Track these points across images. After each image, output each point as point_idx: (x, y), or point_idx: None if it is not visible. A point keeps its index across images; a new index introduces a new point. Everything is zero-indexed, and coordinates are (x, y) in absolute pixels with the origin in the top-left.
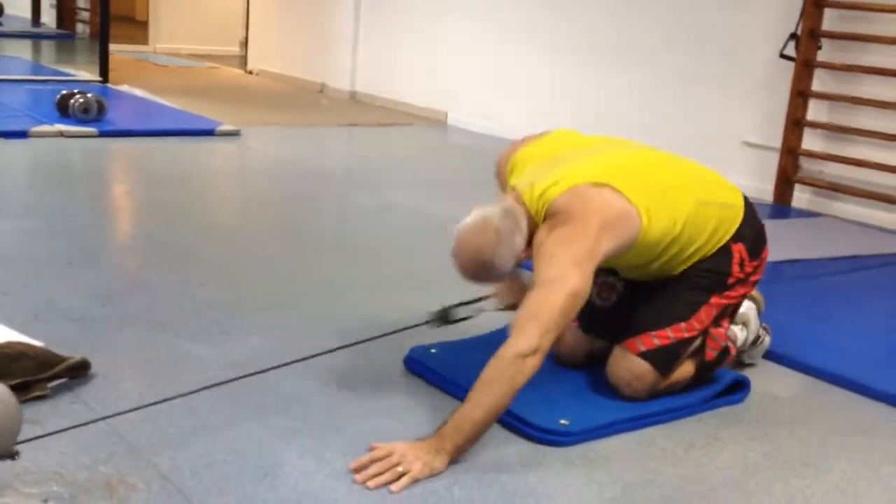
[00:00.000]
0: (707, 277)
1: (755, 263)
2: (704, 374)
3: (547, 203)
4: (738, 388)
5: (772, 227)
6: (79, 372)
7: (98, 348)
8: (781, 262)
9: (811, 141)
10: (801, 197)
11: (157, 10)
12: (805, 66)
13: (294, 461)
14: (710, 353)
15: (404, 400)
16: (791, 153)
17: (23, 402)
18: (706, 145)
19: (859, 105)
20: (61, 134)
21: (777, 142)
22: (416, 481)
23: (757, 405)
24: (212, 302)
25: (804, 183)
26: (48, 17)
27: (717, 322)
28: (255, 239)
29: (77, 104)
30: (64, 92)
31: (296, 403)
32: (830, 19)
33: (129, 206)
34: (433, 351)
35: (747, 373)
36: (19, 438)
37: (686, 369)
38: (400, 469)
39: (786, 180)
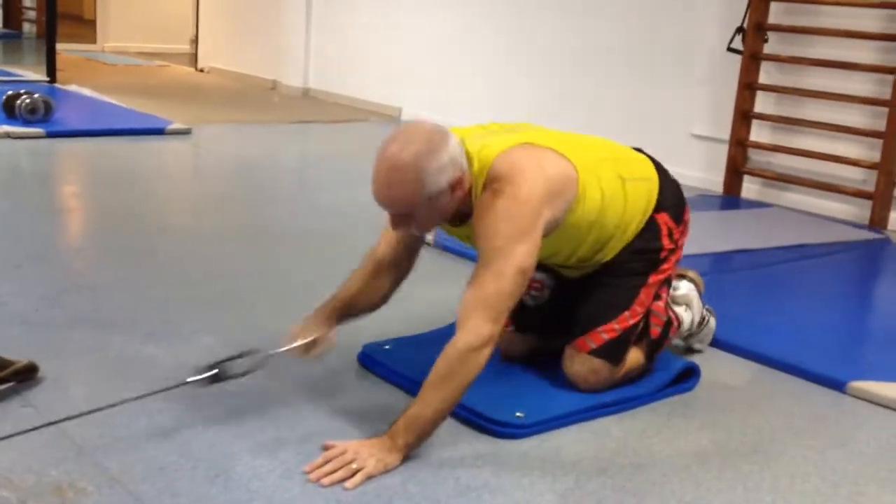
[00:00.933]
0: (640, 260)
1: (681, 228)
2: (654, 352)
3: (490, 158)
4: (689, 376)
5: (722, 218)
6: (27, 375)
7: (47, 351)
8: (731, 252)
9: (759, 133)
10: (750, 188)
11: (106, 8)
12: (752, 59)
13: (247, 461)
14: (655, 331)
15: (358, 397)
16: (740, 145)
17: None
18: (655, 138)
19: (806, 97)
20: (7, 135)
21: (726, 134)
22: (370, 478)
23: (707, 393)
24: (163, 302)
25: (753, 174)
26: None
27: (657, 296)
28: (207, 238)
29: (24, 105)
30: (10, 92)
31: (248, 403)
32: (776, 13)
33: (78, 207)
34: (387, 347)
35: (697, 360)
36: None
37: (636, 356)
38: (354, 466)
39: (735, 172)
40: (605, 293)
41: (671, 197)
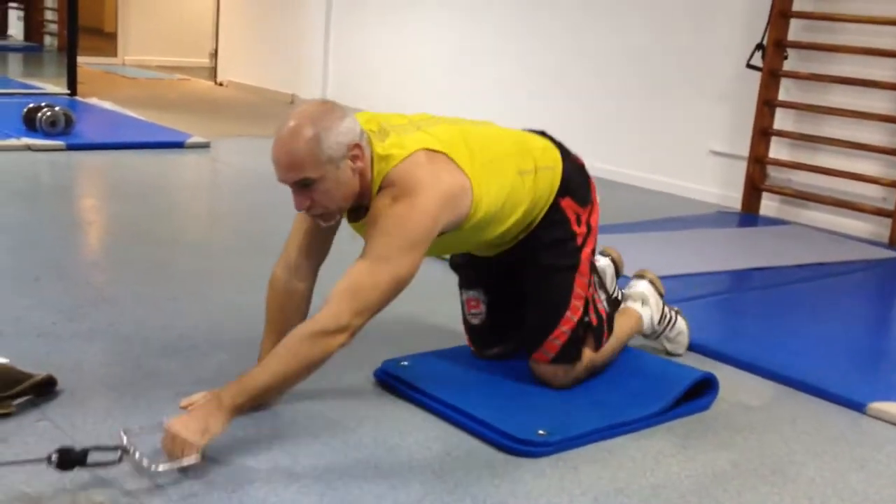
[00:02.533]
0: (559, 254)
1: (588, 208)
2: (600, 338)
3: (395, 157)
4: (706, 388)
5: (740, 235)
6: (45, 389)
7: (65, 364)
8: (749, 270)
9: (778, 150)
10: (769, 205)
11: (126, 21)
12: (771, 76)
13: (263, 477)
14: (593, 318)
15: (375, 413)
16: (758, 162)
17: None
18: (674, 154)
19: (825, 114)
20: (28, 148)
21: (744, 151)
22: (199, 449)
23: (725, 413)
24: (180, 316)
25: (772, 191)
26: (15, 30)
27: (589, 284)
28: (224, 252)
29: (44, 117)
30: (31, 105)
31: (265, 418)
32: (796, 30)
33: (97, 220)
34: (405, 364)
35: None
36: None
37: (587, 351)
38: (180, 448)
39: (753, 189)
40: (541, 299)
41: (574, 179)
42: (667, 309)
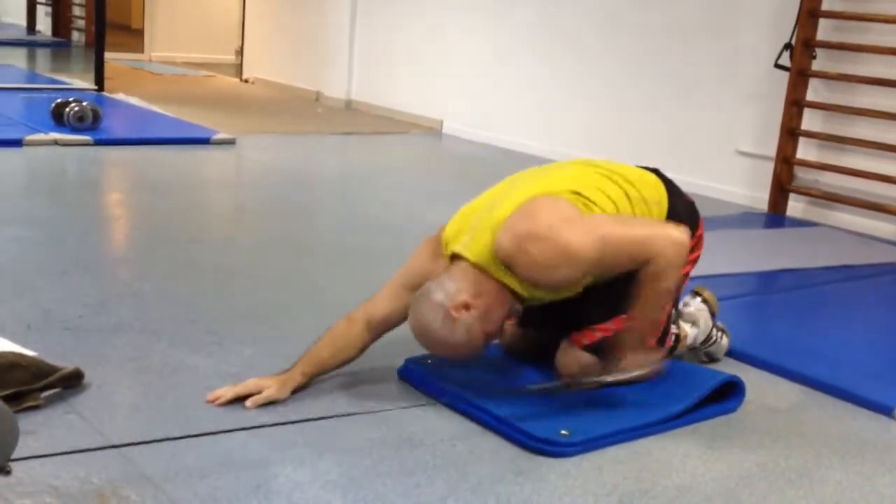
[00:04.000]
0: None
1: (692, 243)
2: None
3: (491, 245)
4: (733, 392)
5: (767, 237)
6: (72, 382)
7: (92, 358)
8: (776, 272)
9: (806, 150)
10: (796, 206)
11: (153, 18)
12: (800, 76)
13: (288, 472)
14: (651, 342)
15: (399, 410)
16: (786, 163)
17: (16, 412)
18: (701, 155)
19: (854, 115)
20: (56, 142)
21: (772, 151)
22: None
23: (752, 415)
24: (206, 311)
25: (799, 192)
26: (43, 25)
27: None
28: (250, 247)
29: (72, 112)
30: (59, 100)
31: (290, 414)
32: (825, 29)
33: (123, 215)
34: (429, 361)
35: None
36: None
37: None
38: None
39: (781, 190)
40: (605, 294)
41: (683, 215)
42: (714, 331)
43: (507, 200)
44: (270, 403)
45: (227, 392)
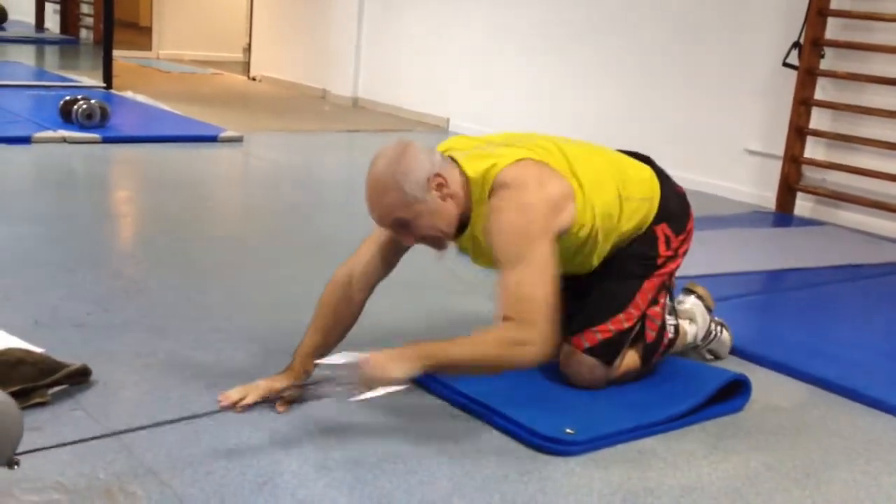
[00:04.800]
0: (636, 264)
1: (682, 237)
2: (650, 356)
3: (495, 169)
4: (739, 390)
5: (774, 236)
6: (79, 378)
7: (98, 355)
8: (783, 271)
9: (814, 149)
10: (803, 205)
11: (161, 16)
12: (808, 75)
13: (293, 469)
14: (650, 335)
15: (406, 408)
16: (794, 161)
17: (23, 408)
18: (709, 153)
19: (862, 114)
20: (64, 140)
21: (779, 150)
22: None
23: (758, 414)
24: (213, 308)
25: (807, 191)
26: (52, 23)
27: (654, 301)
28: (256, 245)
29: (80, 110)
30: (67, 98)
31: (295, 411)
32: (833, 28)
33: (131, 212)
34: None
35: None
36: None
37: (632, 359)
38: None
39: (788, 188)
40: (601, 295)
41: (673, 207)
42: (713, 325)
43: (526, 143)
44: (275, 400)
45: (236, 395)
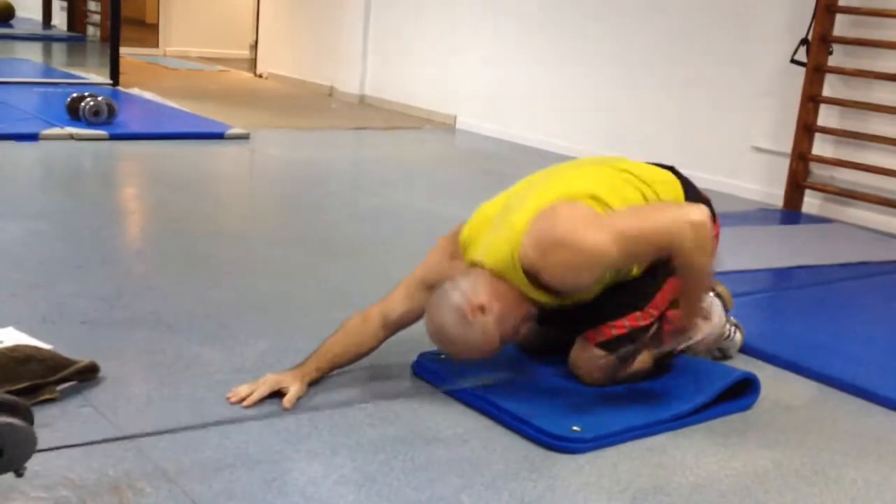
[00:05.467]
0: (660, 264)
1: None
2: (663, 358)
3: (518, 255)
4: (748, 388)
5: (782, 233)
6: (87, 375)
7: (107, 351)
8: (791, 268)
9: (822, 146)
10: (811, 203)
11: (168, 13)
12: (816, 72)
13: (302, 466)
14: (668, 339)
15: (413, 405)
16: (802, 159)
17: (31, 405)
18: (717, 151)
19: (870, 111)
20: (71, 137)
21: (787, 147)
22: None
23: (767, 412)
24: (221, 305)
25: (815, 189)
26: (59, 20)
27: (674, 303)
28: (264, 242)
29: (87, 107)
30: (74, 95)
31: (304, 408)
32: (842, 25)
33: (138, 209)
34: (442, 356)
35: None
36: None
37: (644, 358)
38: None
39: (796, 186)
40: (621, 292)
41: None
42: (728, 326)
43: (525, 203)
44: (283, 397)
45: (244, 390)
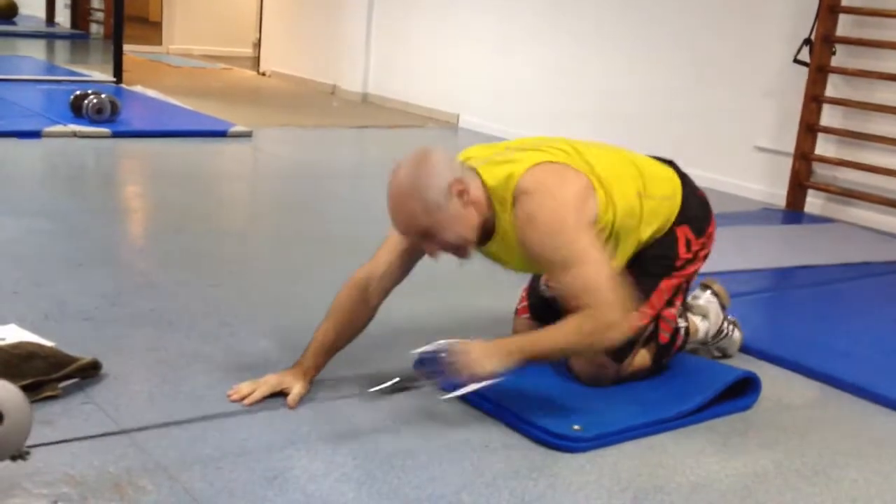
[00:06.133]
0: (655, 264)
1: (702, 241)
2: (661, 357)
3: (515, 175)
4: (749, 389)
5: (784, 233)
6: (90, 372)
7: (109, 348)
8: (794, 268)
9: (824, 146)
10: (813, 202)
11: (171, 11)
12: (819, 72)
13: (303, 464)
14: (664, 336)
15: (413, 403)
16: (804, 158)
17: (34, 401)
18: (719, 150)
19: (873, 111)
20: (74, 134)
21: (790, 147)
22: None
23: (767, 412)
24: (222, 303)
25: (817, 188)
26: (62, 17)
27: (670, 302)
28: (266, 240)
29: (91, 104)
30: (78, 92)
31: (305, 406)
32: (845, 25)
33: (140, 207)
34: (443, 355)
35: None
36: (30, 439)
37: (643, 358)
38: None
39: (798, 186)
40: None
41: (695, 210)
42: (725, 324)
43: (539, 146)
44: (283, 394)
45: (245, 388)
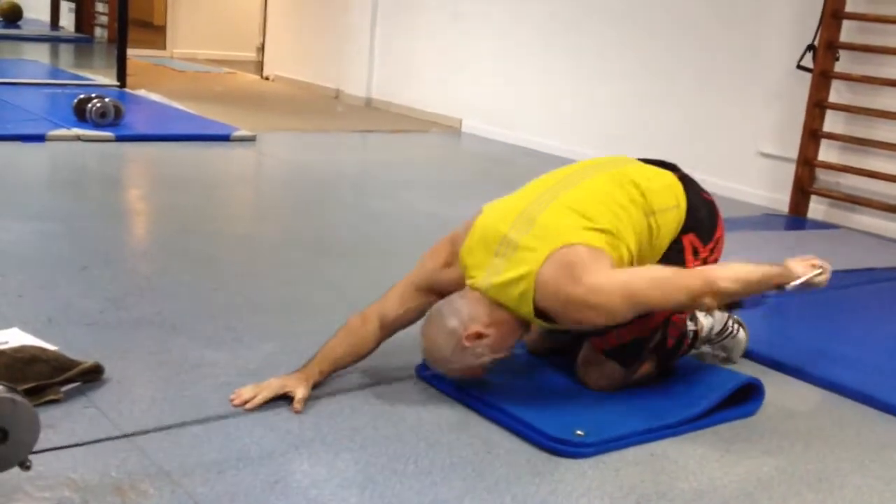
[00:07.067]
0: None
1: (710, 246)
2: (667, 361)
3: (529, 295)
4: (752, 394)
5: (787, 239)
6: (92, 376)
7: (112, 352)
8: None
9: (828, 152)
10: (817, 208)
11: (175, 15)
12: (822, 77)
13: (305, 469)
14: (671, 341)
15: (416, 408)
16: (807, 164)
17: (36, 405)
18: (722, 156)
19: (876, 117)
20: (78, 138)
21: (793, 153)
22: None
23: (771, 418)
24: (226, 307)
25: (820, 194)
26: (67, 21)
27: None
28: (269, 244)
29: (94, 108)
30: (81, 96)
31: (307, 411)
32: (848, 31)
33: (144, 211)
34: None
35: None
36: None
37: (649, 363)
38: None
39: (802, 191)
40: None
41: (700, 215)
42: (730, 322)
43: (532, 230)
44: (285, 398)
45: (248, 392)
